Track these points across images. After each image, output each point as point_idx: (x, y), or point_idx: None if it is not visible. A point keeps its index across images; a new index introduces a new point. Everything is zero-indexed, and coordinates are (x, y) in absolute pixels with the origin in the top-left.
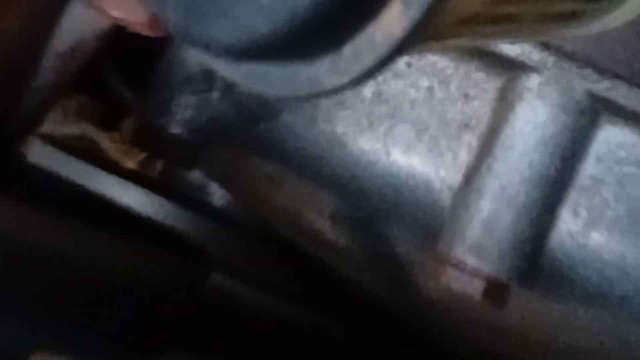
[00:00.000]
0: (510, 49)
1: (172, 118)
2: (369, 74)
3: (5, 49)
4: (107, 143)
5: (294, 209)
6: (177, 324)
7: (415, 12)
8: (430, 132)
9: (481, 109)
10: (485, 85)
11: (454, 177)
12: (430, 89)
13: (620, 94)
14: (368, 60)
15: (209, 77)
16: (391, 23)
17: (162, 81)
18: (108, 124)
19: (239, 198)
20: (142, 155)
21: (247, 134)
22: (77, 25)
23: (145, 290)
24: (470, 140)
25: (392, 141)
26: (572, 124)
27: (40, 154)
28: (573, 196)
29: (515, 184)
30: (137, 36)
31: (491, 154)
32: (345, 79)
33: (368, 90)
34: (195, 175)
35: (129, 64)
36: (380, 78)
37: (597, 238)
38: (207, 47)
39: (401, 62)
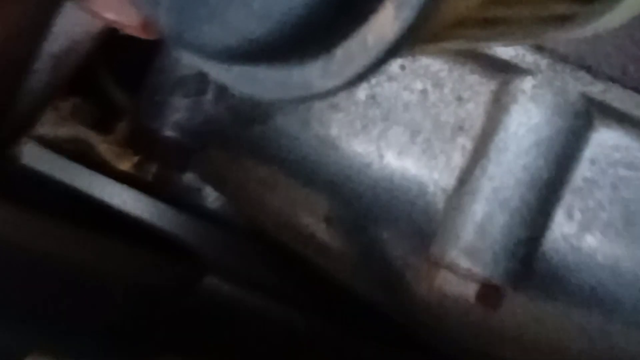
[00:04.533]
0: (504, 51)
1: (165, 120)
2: (361, 77)
3: None
4: (101, 145)
5: (287, 212)
6: (170, 326)
7: (407, 15)
8: (423, 134)
9: (475, 111)
10: (479, 87)
11: (448, 179)
12: (424, 92)
13: (614, 96)
14: (360, 63)
15: (202, 79)
16: (383, 26)
17: (156, 84)
18: (102, 126)
19: (232, 200)
20: (136, 158)
21: (241, 136)
22: (70, 28)
23: (139, 292)
24: (464, 143)
25: (386, 144)
26: (566, 126)
27: (33, 156)
28: (567, 199)
29: (509, 186)
30: (130, 38)
31: (485, 156)
32: (338, 82)
33: (362, 93)
34: (189, 178)
35: (122, 66)
36: (373, 81)
37: (591, 241)
38: (200, 50)
39: (395, 65)
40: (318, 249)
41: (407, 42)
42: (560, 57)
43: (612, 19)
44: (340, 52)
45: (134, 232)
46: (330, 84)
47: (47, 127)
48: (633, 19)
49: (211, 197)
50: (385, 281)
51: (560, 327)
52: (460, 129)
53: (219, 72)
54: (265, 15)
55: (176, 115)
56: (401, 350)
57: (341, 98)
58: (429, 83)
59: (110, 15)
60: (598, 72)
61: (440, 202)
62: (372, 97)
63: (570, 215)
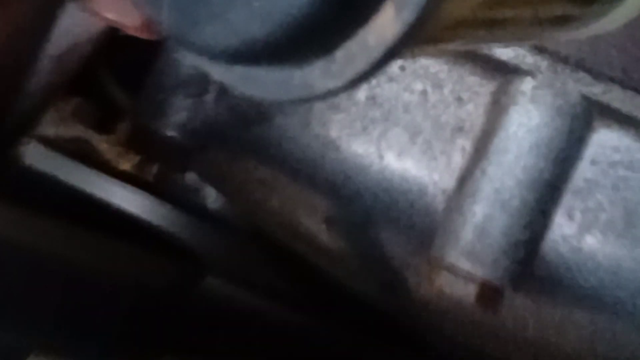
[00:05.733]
0: (503, 52)
1: (166, 121)
2: (362, 77)
3: (1, 52)
4: (102, 145)
5: (288, 213)
6: (170, 326)
7: (408, 16)
8: (423, 135)
9: (475, 112)
10: (478, 88)
11: (448, 180)
12: (423, 93)
13: (615, 97)
14: (361, 64)
15: (203, 80)
16: (384, 27)
17: (157, 84)
18: (103, 126)
19: (232, 200)
20: (137, 158)
21: (241, 137)
22: (72, 28)
23: (139, 292)
24: (464, 144)
25: (386, 145)
26: (566, 127)
27: (35, 156)
28: (567, 199)
29: (509, 187)
30: (131, 38)
31: (485, 157)
32: (338, 83)
33: (362, 93)
34: (190, 178)
35: (123, 67)
36: (374, 82)
37: (591, 241)
38: (201, 51)
39: (395, 66)
40: (318, 249)
41: (407, 43)
42: (560, 58)
43: (612, 20)
44: (341, 53)
45: (135, 232)
46: (331, 84)
47: (48, 127)
48: (633, 20)
49: (211, 197)
50: (385, 281)
51: (560, 327)
52: (460, 130)
53: (220, 73)
54: (267, 15)
55: (177, 116)
56: (401, 351)
57: (341, 99)
58: (429, 84)
59: (112, 16)
60: (598, 73)
61: (440, 203)
62: (373, 98)
63: (570, 216)
